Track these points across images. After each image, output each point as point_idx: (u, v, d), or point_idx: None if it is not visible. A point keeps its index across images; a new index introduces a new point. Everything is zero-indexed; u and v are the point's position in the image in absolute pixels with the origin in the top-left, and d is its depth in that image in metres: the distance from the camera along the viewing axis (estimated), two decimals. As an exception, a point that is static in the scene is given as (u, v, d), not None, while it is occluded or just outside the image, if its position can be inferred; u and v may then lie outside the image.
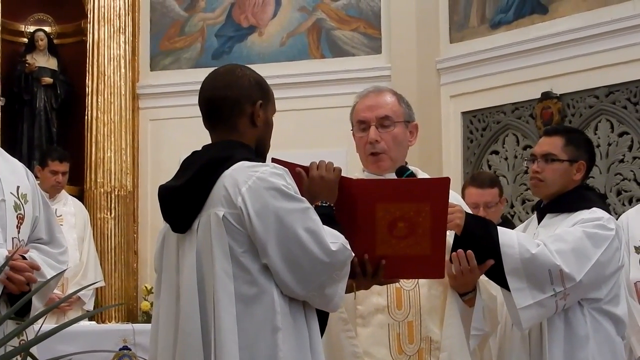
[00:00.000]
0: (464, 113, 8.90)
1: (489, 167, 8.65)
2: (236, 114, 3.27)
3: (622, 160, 7.83)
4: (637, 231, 5.59)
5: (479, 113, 8.81)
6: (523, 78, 8.38)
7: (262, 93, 3.32)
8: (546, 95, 8.22)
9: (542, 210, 4.29)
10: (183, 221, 3.22)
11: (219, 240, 3.12)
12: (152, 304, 9.15)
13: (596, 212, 4.09)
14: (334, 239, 3.15)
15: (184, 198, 3.20)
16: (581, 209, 4.12)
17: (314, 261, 3.10)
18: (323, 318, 3.30)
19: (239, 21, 9.73)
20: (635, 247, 5.57)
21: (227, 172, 3.15)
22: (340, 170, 3.40)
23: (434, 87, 8.98)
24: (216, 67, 3.43)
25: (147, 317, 9.09)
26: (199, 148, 3.32)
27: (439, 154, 8.84)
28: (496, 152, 8.69)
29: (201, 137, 3.42)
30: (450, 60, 8.94)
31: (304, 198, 3.17)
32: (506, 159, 8.60)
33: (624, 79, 7.79)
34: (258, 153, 3.31)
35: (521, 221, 7.73)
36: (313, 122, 9.17)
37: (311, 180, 3.34)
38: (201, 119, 3.38)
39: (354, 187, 3.40)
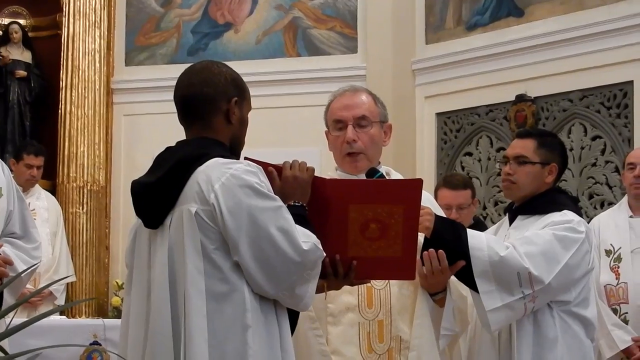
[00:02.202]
0: (438, 114, 8.92)
1: (462, 168, 8.67)
2: (211, 111, 3.27)
3: (594, 164, 7.87)
4: (608, 235, 5.65)
5: (453, 114, 8.83)
6: (498, 80, 8.41)
7: (237, 90, 3.31)
8: (520, 98, 8.25)
9: (514, 212, 4.30)
10: (155, 217, 3.21)
11: (191, 237, 3.11)
12: (122, 300, 9.13)
13: (567, 215, 4.10)
14: (306, 238, 3.14)
15: (157, 194, 3.19)
16: (552, 212, 4.13)
17: (285, 260, 3.10)
18: (293, 317, 3.30)
19: (215, 18, 9.71)
20: (606, 250, 5.62)
21: (200, 169, 3.15)
22: (313, 170, 3.39)
23: (409, 87, 8.99)
24: (191, 64, 3.42)
25: (117, 313, 9.06)
26: (173, 144, 3.31)
27: (412, 155, 8.85)
28: (470, 154, 8.72)
29: (175, 133, 3.42)
30: (425, 61, 8.95)
31: (277, 196, 3.16)
32: (479, 160, 8.62)
33: (598, 83, 7.83)
34: (232, 150, 3.30)
35: (493, 223, 7.74)
36: (287, 120, 9.17)
37: (284, 180, 3.33)
38: (176, 115, 3.37)
39: (327, 187, 3.40)
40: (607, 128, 7.80)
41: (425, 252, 3.73)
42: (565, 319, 4.05)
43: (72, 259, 8.74)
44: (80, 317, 8.65)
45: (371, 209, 3.40)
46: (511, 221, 4.30)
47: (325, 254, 3.21)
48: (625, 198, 5.87)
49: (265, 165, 3.28)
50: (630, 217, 5.73)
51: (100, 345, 6.15)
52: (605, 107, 7.83)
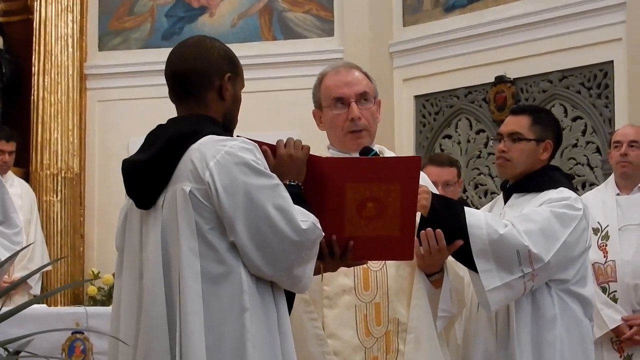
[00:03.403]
0: (416, 97, 8.87)
1: (442, 151, 8.61)
2: (204, 87, 3.18)
3: (575, 145, 7.85)
4: (596, 213, 5.60)
5: (432, 97, 8.78)
6: (476, 62, 8.37)
7: (231, 66, 3.23)
8: (500, 80, 8.23)
9: (509, 190, 4.23)
10: (147, 197, 3.12)
11: (185, 217, 3.02)
12: (98, 289, 9.04)
13: (563, 192, 4.03)
14: (305, 217, 3.07)
15: (149, 173, 3.10)
16: (548, 189, 4.06)
17: (283, 240, 3.02)
18: (289, 298, 3.22)
19: (190, 1, 9.59)
20: (593, 228, 5.57)
21: (194, 146, 3.05)
22: (308, 148, 3.30)
23: (386, 70, 8.91)
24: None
25: (93, 302, 8.96)
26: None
27: (391, 138, 8.77)
28: (449, 137, 8.67)
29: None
30: (403, 43, 8.89)
31: (273, 174, 3.08)
32: (459, 143, 8.58)
33: (578, 63, 7.82)
34: (225, 128, 3.21)
35: (474, 205, 7.72)
36: (265, 104, 9.04)
37: (279, 159, 3.23)
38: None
39: (323, 165, 3.31)
40: (588, 108, 7.78)
41: (423, 232, 3.65)
42: (564, 297, 3.98)
43: (46, 247, 8.63)
44: (55, 306, 8.53)
45: (368, 187, 3.32)
46: (506, 199, 4.22)
47: (324, 233, 3.13)
48: (612, 177, 5.83)
49: (259, 144, 3.19)
50: (618, 195, 5.71)
51: (82, 333, 6.03)
52: (586, 87, 7.81)
